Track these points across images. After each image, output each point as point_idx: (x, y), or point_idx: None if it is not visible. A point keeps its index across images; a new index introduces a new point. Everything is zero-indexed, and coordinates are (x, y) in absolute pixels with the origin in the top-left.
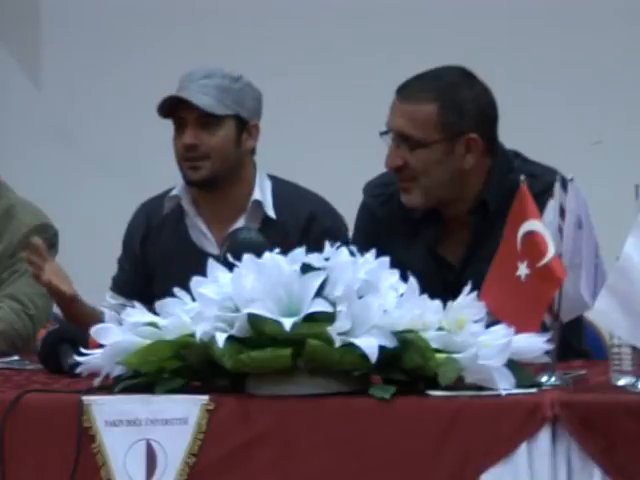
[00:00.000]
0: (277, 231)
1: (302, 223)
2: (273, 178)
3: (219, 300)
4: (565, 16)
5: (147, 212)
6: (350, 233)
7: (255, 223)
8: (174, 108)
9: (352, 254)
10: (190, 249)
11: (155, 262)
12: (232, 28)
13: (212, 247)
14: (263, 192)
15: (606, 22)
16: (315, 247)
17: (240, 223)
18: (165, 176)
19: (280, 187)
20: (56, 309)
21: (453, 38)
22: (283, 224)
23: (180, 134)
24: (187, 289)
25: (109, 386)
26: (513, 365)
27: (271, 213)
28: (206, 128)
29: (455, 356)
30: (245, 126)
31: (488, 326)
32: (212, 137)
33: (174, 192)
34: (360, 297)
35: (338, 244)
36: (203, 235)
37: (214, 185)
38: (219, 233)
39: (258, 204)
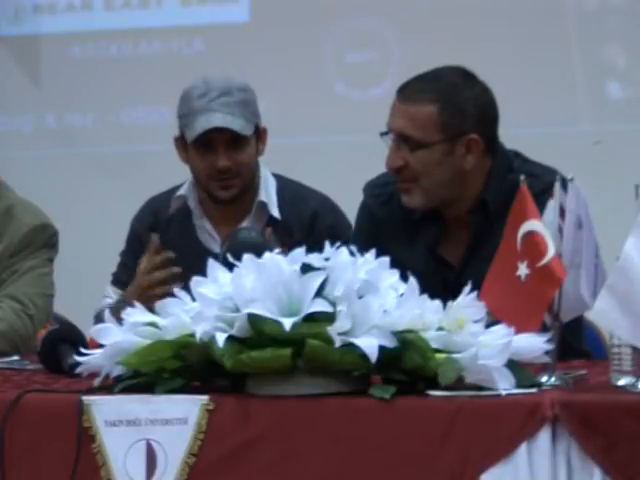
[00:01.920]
0: (282, 231)
1: (306, 222)
2: (277, 177)
3: (219, 300)
4: (563, 16)
5: (154, 207)
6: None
7: (260, 224)
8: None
9: (352, 254)
10: (197, 249)
11: None
12: (234, 32)
13: (218, 248)
14: (268, 193)
15: (604, 21)
16: (319, 245)
17: (246, 224)
18: (165, 176)
19: (284, 187)
20: (56, 309)
21: (453, 38)
22: (288, 224)
23: (207, 154)
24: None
25: (109, 386)
26: (513, 365)
27: (276, 213)
28: (236, 147)
29: (455, 356)
30: (259, 134)
31: (488, 326)
32: (242, 155)
33: (180, 192)
34: (360, 297)
35: (338, 244)
36: (210, 236)
37: (240, 197)
38: (225, 234)
39: (263, 205)
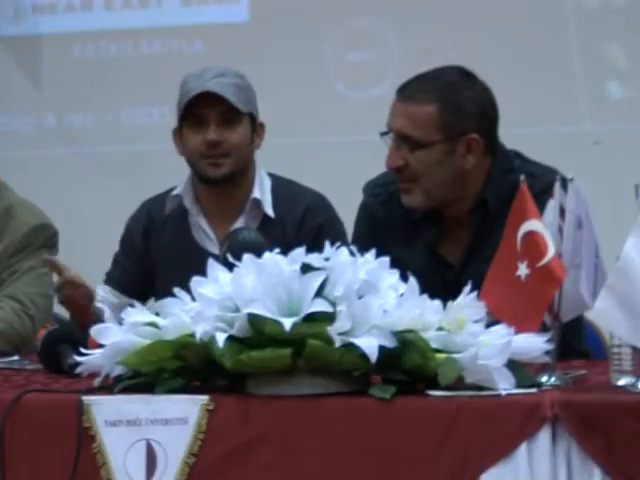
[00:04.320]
0: (276, 230)
1: (298, 218)
2: (272, 176)
3: (219, 300)
4: (563, 16)
5: (149, 209)
6: (348, 231)
7: (254, 222)
8: (193, 105)
9: (352, 254)
10: (193, 248)
11: (157, 260)
12: (234, 32)
13: (214, 246)
14: (262, 191)
15: (604, 21)
16: (308, 242)
17: (240, 222)
18: (165, 175)
19: (279, 185)
20: (56, 309)
21: (453, 38)
22: (282, 222)
23: (200, 131)
24: (189, 288)
25: (109, 386)
26: (513, 365)
27: (270, 212)
28: (228, 125)
29: (455, 356)
30: (255, 124)
31: (488, 326)
32: (233, 134)
33: (176, 191)
34: (360, 297)
35: (338, 244)
36: (205, 234)
37: (230, 182)
38: (221, 232)
39: (257, 203)
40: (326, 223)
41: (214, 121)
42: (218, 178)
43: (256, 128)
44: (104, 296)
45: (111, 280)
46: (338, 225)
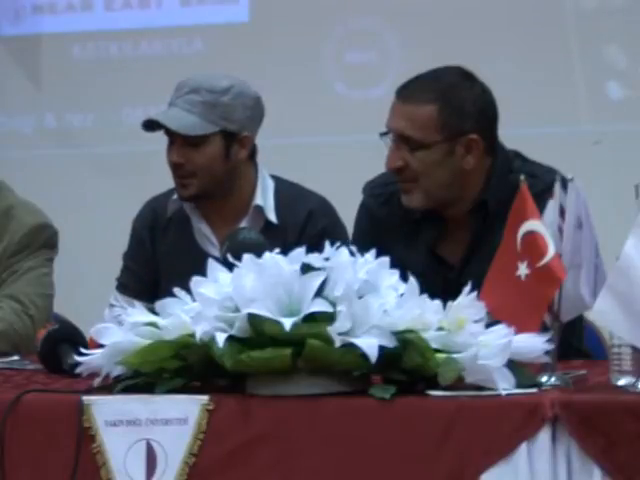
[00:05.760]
0: (278, 235)
1: (300, 222)
2: (276, 179)
3: (219, 300)
4: (563, 16)
5: (154, 208)
6: (350, 233)
7: (256, 227)
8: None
9: (352, 254)
10: (195, 252)
11: (161, 261)
12: (234, 32)
13: (216, 251)
14: (265, 196)
15: (604, 21)
16: (310, 246)
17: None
18: (165, 176)
19: (282, 189)
20: (56, 309)
21: (452, 38)
22: (284, 228)
23: (170, 148)
24: (190, 292)
25: (109, 386)
26: (513, 365)
27: (272, 217)
28: (192, 146)
29: (455, 356)
30: (235, 138)
31: (488, 326)
32: (198, 155)
33: (176, 195)
34: (360, 297)
35: (338, 244)
36: (207, 238)
37: (206, 198)
38: (222, 237)
39: (259, 209)
40: (328, 228)
41: (178, 141)
42: (186, 198)
43: (239, 140)
44: (118, 304)
45: (122, 286)
46: (340, 230)
